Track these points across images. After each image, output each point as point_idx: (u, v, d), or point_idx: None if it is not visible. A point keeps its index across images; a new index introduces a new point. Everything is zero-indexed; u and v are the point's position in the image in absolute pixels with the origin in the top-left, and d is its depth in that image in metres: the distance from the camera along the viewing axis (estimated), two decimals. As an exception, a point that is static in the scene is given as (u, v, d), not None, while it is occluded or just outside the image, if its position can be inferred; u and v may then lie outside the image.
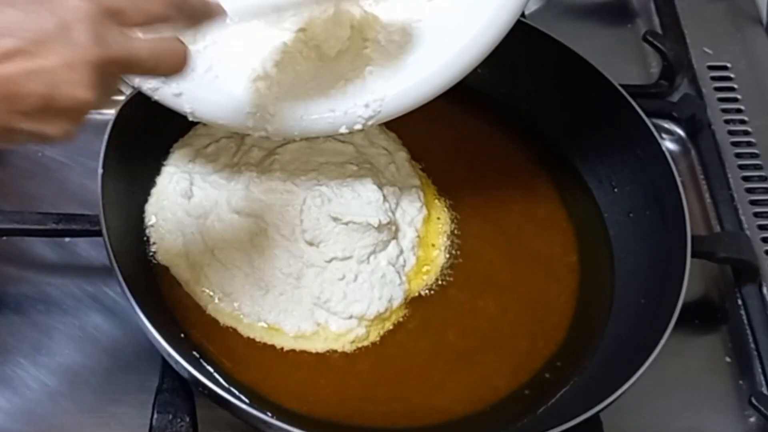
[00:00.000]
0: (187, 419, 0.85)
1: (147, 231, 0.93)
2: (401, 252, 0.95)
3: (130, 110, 0.92)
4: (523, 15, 1.13)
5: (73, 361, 0.91)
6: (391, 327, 0.92)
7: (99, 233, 0.89)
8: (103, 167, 0.89)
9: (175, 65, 0.69)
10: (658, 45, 1.18)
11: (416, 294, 0.95)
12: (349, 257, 0.92)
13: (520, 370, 0.93)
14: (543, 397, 0.91)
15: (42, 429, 0.87)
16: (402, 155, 1.03)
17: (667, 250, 0.95)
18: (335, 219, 0.91)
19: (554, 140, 1.08)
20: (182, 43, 0.69)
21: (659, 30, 1.23)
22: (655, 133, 1.00)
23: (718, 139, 1.15)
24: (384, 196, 0.95)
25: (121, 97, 0.91)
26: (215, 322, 0.89)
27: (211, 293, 0.90)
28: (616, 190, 1.03)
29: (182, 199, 0.94)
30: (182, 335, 0.87)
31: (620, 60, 1.22)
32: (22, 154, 1.02)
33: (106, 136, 0.90)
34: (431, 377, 0.91)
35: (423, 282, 0.96)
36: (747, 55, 1.25)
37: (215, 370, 0.86)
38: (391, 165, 1.01)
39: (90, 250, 0.96)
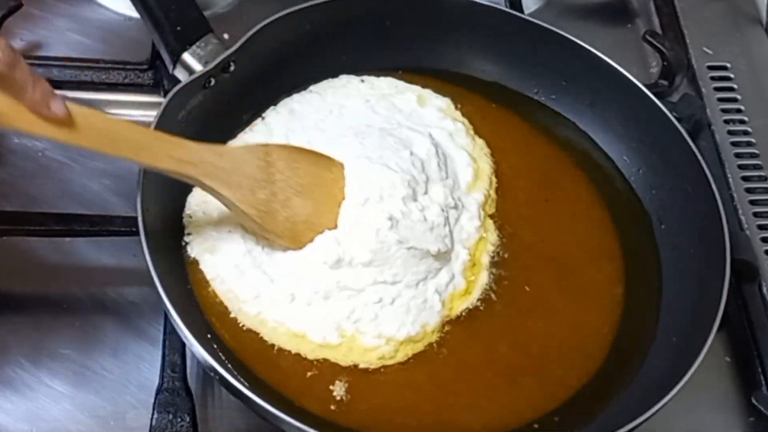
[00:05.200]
0: (187, 419, 0.85)
1: (184, 220, 0.92)
2: (452, 278, 0.93)
3: (181, 98, 0.92)
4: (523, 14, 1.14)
5: (73, 361, 0.91)
6: (422, 348, 0.90)
7: (99, 233, 0.89)
8: None
9: None
10: (658, 45, 1.18)
11: (454, 316, 0.93)
12: (399, 282, 0.90)
13: (551, 398, 0.90)
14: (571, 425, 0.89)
15: (42, 429, 0.87)
16: (486, 167, 1.02)
17: (706, 289, 0.93)
18: (399, 242, 0.90)
19: (616, 170, 1.07)
20: None
21: (659, 30, 1.23)
22: (707, 172, 0.99)
23: (718, 139, 1.15)
24: (446, 219, 0.94)
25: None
26: (239, 323, 0.88)
27: (239, 294, 0.89)
28: (663, 226, 1.02)
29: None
30: (209, 336, 0.86)
31: (620, 60, 1.21)
32: (22, 154, 1.02)
33: (157, 117, 0.89)
34: (463, 396, 0.90)
35: (462, 304, 0.94)
36: (747, 55, 1.25)
37: (238, 372, 0.84)
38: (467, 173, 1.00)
39: (90, 250, 0.96)
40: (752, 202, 1.11)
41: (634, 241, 1.02)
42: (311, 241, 0.89)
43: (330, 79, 1.05)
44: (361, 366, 0.88)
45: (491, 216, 1.00)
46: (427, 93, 1.07)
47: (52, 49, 1.09)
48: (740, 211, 1.09)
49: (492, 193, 1.01)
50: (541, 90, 1.10)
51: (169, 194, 0.90)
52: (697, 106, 1.16)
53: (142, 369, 0.90)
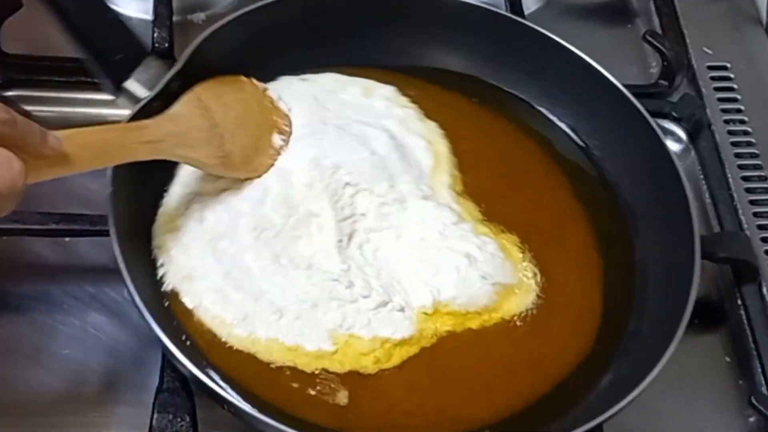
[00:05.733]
0: (187, 419, 0.85)
1: (154, 252, 0.91)
2: None
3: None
4: (524, 16, 1.14)
5: (73, 361, 0.91)
6: (417, 351, 0.90)
7: (99, 233, 0.88)
8: (113, 184, 0.87)
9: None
10: (658, 45, 1.18)
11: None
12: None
13: (544, 382, 0.92)
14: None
15: (42, 429, 0.87)
16: (443, 148, 1.03)
17: (678, 280, 0.94)
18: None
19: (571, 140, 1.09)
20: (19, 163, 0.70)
21: (659, 30, 1.23)
22: (674, 158, 1.00)
23: (718, 139, 1.15)
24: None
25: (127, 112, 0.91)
26: (231, 347, 0.87)
27: (225, 318, 0.88)
28: (623, 191, 1.04)
29: (193, 222, 0.91)
30: (204, 362, 0.85)
31: (620, 60, 1.22)
32: (22, 154, 1.02)
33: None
34: (464, 390, 0.90)
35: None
36: (747, 55, 1.25)
37: (244, 397, 0.84)
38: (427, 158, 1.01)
39: (90, 250, 0.96)
40: (752, 202, 1.11)
41: (600, 205, 1.04)
42: (268, 166, 0.92)
43: (270, 83, 1.04)
44: (360, 372, 0.88)
45: (460, 194, 1.00)
46: (371, 83, 1.06)
47: (52, 49, 1.09)
48: (740, 211, 1.09)
49: (456, 171, 1.02)
50: (483, 70, 1.11)
51: (134, 230, 0.90)
52: (697, 106, 1.16)
53: (142, 369, 0.90)
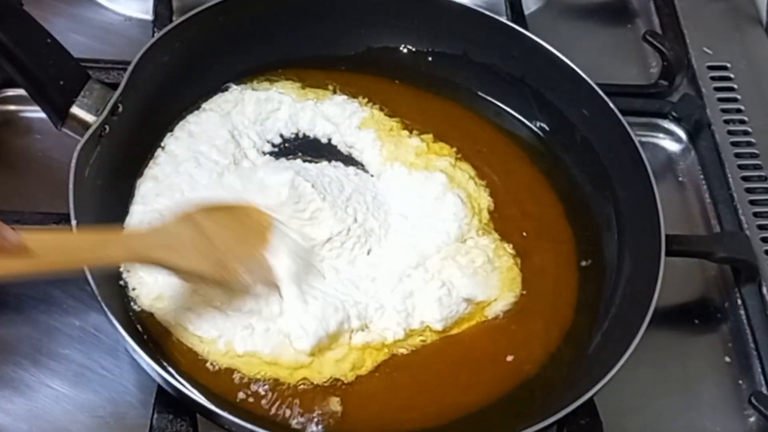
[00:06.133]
0: (188, 419, 0.85)
1: (124, 277, 0.90)
2: None
3: (85, 155, 0.89)
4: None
5: (73, 361, 0.91)
6: (387, 356, 0.91)
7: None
8: (76, 218, 0.86)
9: None
10: (658, 45, 1.18)
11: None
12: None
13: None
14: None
15: (42, 429, 0.87)
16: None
17: (644, 253, 0.96)
18: None
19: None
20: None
21: (659, 30, 1.23)
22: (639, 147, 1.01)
23: (718, 139, 1.15)
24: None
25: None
26: (215, 367, 0.87)
27: (202, 336, 0.88)
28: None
29: None
30: (199, 391, 0.85)
31: (620, 60, 1.22)
32: (22, 154, 1.02)
33: (71, 190, 0.87)
34: (450, 382, 0.92)
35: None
36: (747, 55, 1.25)
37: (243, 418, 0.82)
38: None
39: (90, 250, 0.96)
40: (752, 202, 1.11)
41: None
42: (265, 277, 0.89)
43: (220, 94, 1.04)
44: (341, 380, 0.88)
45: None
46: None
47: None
48: (740, 211, 1.09)
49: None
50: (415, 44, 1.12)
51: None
52: (697, 106, 1.16)
53: (142, 369, 0.90)
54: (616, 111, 1.03)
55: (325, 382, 0.88)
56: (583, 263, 1.01)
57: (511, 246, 0.99)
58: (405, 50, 1.13)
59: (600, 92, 1.04)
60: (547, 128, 1.09)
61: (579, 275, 1.00)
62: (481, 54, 1.11)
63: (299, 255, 0.90)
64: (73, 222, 0.85)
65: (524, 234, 1.01)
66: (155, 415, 0.85)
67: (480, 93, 1.12)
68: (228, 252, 0.87)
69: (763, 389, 0.97)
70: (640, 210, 0.98)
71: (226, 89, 1.05)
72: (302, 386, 0.88)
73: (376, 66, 1.11)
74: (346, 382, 0.89)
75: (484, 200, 1.02)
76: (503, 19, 1.11)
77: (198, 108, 1.03)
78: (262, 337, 0.88)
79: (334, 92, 1.08)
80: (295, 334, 0.88)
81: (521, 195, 1.05)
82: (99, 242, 0.82)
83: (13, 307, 0.93)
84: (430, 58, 1.12)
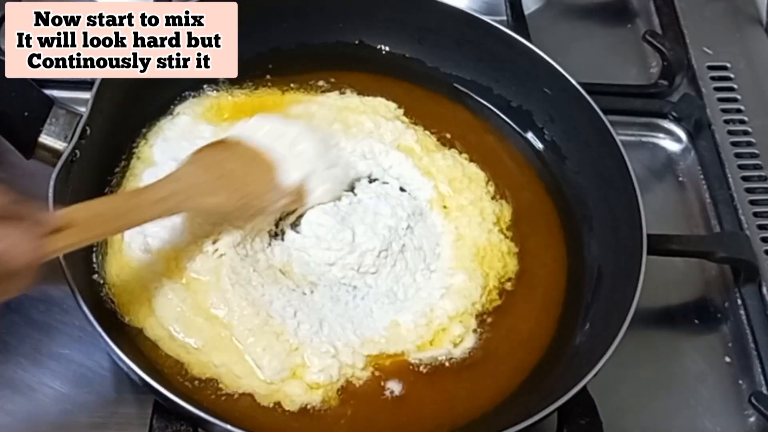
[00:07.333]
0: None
1: (109, 293, 0.89)
2: None
3: (62, 183, 0.87)
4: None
5: (73, 361, 0.91)
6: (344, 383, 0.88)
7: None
8: None
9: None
10: (658, 45, 1.18)
11: None
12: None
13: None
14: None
15: (42, 428, 0.87)
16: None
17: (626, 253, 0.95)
18: None
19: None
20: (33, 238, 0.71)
21: (659, 30, 1.23)
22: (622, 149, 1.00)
23: (718, 139, 1.15)
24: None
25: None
26: (199, 377, 0.87)
27: (188, 345, 0.88)
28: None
29: (141, 254, 0.91)
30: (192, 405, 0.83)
31: (620, 60, 1.22)
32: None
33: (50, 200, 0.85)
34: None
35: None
36: (747, 55, 1.25)
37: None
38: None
39: (90, 250, 0.96)
40: (752, 202, 1.11)
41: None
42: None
43: (192, 99, 1.03)
44: (309, 409, 0.87)
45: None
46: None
47: (52, 49, 1.09)
48: (740, 211, 1.09)
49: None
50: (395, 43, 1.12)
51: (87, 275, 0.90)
52: (697, 106, 1.16)
53: (142, 369, 0.90)
54: (597, 110, 1.02)
55: (297, 411, 0.86)
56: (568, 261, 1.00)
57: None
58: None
59: (582, 90, 1.03)
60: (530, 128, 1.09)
61: (566, 275, 0.99)
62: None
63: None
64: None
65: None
66: (155, 415, 0.85)
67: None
68: (245, 176, 0.91)
69: (763, 389, 0.98)
70: (623, 209, 0.98)
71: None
72: (275, 410, 0.86)
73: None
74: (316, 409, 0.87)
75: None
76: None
77: (171, 113, 1.01)
78: (238, 349, 0.87)
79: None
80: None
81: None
82: (133, 205, 0.84)
83: (13, 307, 0.93)
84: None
